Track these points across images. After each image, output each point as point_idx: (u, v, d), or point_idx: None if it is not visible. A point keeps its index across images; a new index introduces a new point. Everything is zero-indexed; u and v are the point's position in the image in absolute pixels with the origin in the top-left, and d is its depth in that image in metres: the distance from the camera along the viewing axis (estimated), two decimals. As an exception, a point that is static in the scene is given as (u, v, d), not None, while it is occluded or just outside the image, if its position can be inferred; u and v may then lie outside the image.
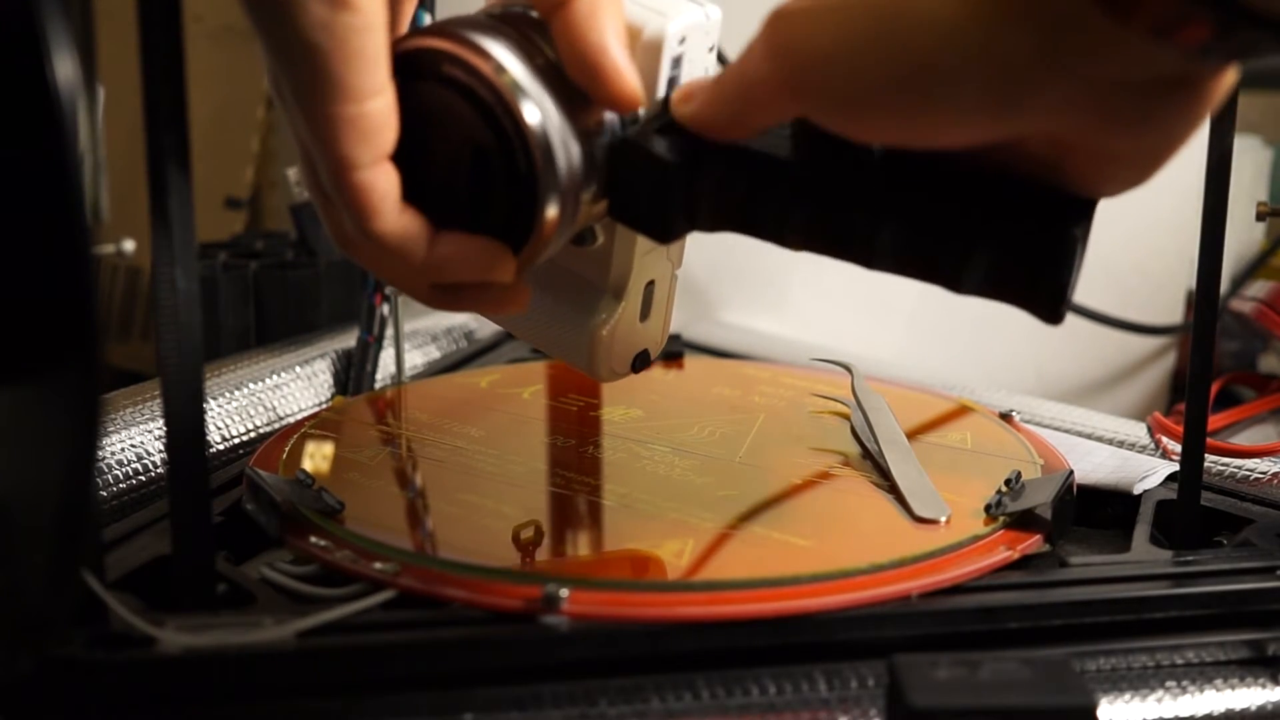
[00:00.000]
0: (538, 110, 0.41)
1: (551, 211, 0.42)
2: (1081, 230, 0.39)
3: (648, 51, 0.43)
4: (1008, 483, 0.53)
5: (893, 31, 0.35)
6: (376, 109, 0.40)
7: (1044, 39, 0.34)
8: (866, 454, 0.58)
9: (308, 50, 0.39)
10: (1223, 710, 0.45)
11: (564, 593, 0.43)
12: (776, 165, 0.41)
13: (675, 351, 0.73)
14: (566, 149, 0.42)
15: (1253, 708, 0.45)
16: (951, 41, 0.34)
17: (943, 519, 0.50)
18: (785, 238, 0.42)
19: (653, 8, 0.44)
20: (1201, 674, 0.46)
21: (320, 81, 0.39)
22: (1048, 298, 0.39)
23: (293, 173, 0.79)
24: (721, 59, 0.45)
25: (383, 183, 0.41)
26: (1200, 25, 0.32)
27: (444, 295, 0.45)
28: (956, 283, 0.41)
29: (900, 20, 0.35)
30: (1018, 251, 0.39)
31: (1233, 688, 0.45)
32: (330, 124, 0.39)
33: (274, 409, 0.65)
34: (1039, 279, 0.39)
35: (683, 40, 0.44)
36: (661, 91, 0.44)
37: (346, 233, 0.43)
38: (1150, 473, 0.57)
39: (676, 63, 0.44)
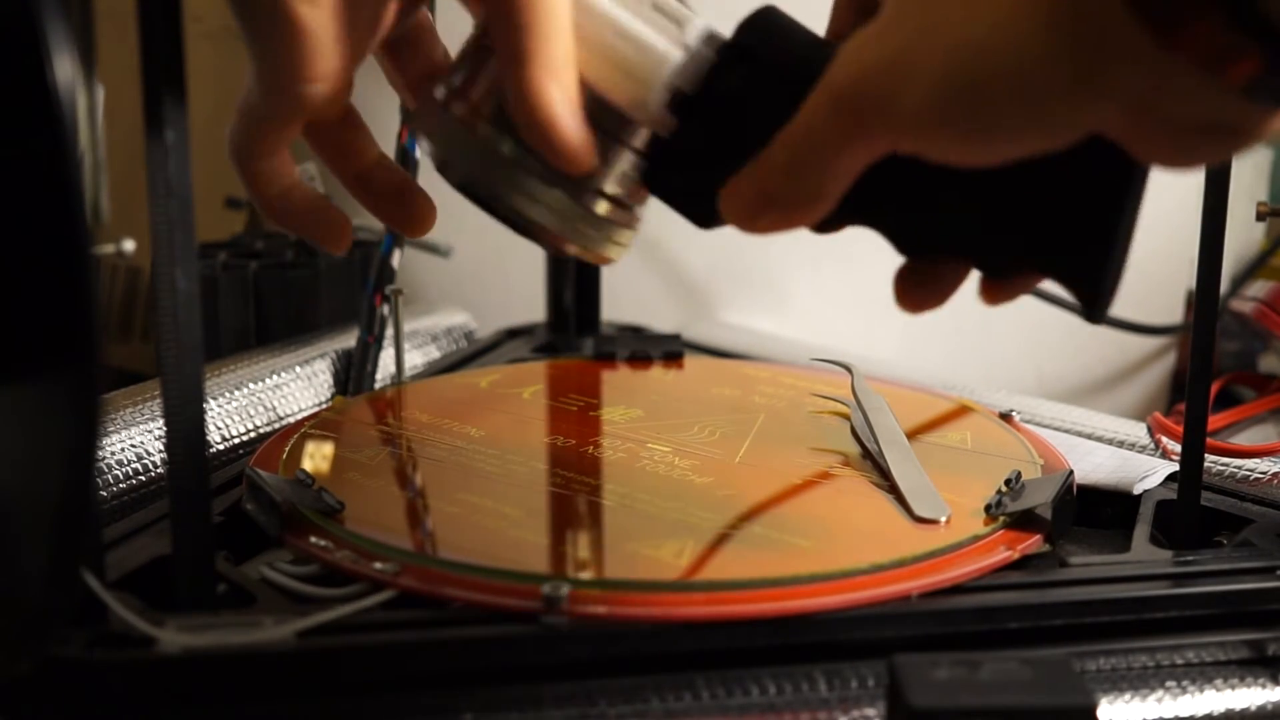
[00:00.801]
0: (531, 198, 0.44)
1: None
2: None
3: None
4: (1008, 483, 0.53)
5: (960, 68, 0.35)
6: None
7: (1089, 67, 0.33)
8: (866, 454, 0.58)
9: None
10: (1223, 710, 0.45)
11: (564, 592, 0.43)
12: None
13: (675, 351, 0.73)
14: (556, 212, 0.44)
15: (1253, 708, 0.45)
16: (1004, 69, 0.34)
17: (943, 519, 0.50)
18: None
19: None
20: (1201, 674, 0.46)
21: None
22: (1085, 299, 0.40)
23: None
24: None
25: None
26: (1249, 59, 0.31)
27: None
28: (993, 270, 0.41)
29: (965, 54, 0.35)
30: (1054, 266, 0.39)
31: (1233, 688, 0.45)
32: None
33: (274, 409, 0.65)
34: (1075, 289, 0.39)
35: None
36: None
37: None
38: (1150, 473, 0.57)
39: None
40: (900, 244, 0.42)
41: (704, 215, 0.43)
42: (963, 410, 0.64)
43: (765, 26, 0.42)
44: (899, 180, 0.39)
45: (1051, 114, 0.35)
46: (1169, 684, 0.45)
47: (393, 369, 0.68)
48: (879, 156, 0.38)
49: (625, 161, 0.44)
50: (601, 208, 0.45)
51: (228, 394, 0.63)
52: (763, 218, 0.41)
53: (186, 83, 0.41)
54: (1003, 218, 0.39)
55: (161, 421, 0.50)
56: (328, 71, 0.44)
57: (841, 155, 0.38)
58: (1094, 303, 0.39)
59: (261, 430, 0.63)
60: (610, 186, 0.44)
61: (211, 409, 0.62)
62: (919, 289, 0.42)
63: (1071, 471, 0.54)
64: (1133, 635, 0.46)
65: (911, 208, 0.40)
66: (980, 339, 0.91)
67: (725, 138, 0.42)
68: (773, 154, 0.40)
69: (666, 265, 0.93)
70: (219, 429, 0.62)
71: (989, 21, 0.34)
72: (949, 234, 0.41)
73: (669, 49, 0.42)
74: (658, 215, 0.46)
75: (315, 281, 0.78)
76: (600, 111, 0.43)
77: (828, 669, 0.44)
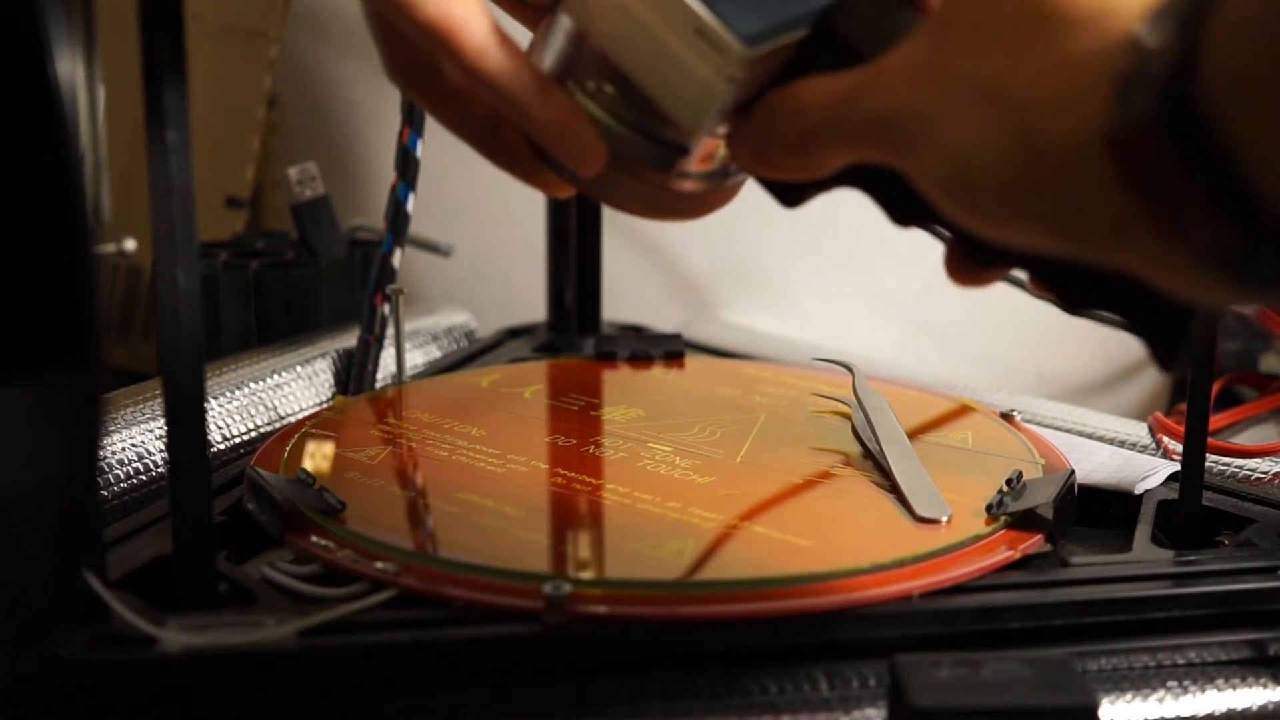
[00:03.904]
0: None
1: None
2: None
3: None
4: (1009, 482, 0.53)
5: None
6: None
7: (1074, 232, 0.33)
8: (867, 454, 0.58)
9: None
10: (1224, 710, 0.45)
11: (565, 592, 0.43)
12: None
13: (676, 351, 0.73)
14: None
15: (1254, 708, 0.45)
16: (992, 197, 0.34)
17: (944, 519, 0.50)
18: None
19: None
20: (1203, 674, 0.46)
21: None
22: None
23: (294, 172, 0.79)
24: None
25: (457, 13, 0.41)
26: (1242, 255, 0.30)
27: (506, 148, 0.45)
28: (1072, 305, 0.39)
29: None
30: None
31: (1234, 688, 0.45)
32: None
33: (275, 408, 0.65)
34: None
35: None
36: None
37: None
38: (1151, 472, 0.57)
39: None
40: (970, 248, 0.40)
41: (787, 197, 0.42)
42: (964, 410, 0.64)
43: (847, 14, 0.40)
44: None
45: (1039, 244, 0.34)
46: (1170, 684, 0.45)
47: (393, 368, 0.68)
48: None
49: (711, 143, 0.43)
50: (689, 185, 0.44)
51: (228, 393, 0.63)
52: (769, 174, 0.41)
53: (188, 82, 0.41)
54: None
55: (162, 421, 0.50)
56: None
57: (849, 153, 0.38)
58: (1168, 357, 0.37)
59: (262, 430, 0.63)
60: (697, 167, 0.44)
61: (212, 408, 0.62)
62: (970, 264, 0.41)
63: (1073, 471, 0.54)
64: (1134, 635, 0.46)
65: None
66: (981, 339, 0.91)
67: None
68: (785, 122, 0.39)
69: (668, 265, 0.93)
70: (220, 428, 0.62)
71: (990, 153, 0.33)
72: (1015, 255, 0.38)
73: (711, 80, 0.40)
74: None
75: (316, 281, 0.77)
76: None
77: (829, 669, 0.44)
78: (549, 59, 0.43)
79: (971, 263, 0.40)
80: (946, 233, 0.40)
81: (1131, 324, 0.38)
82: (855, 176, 0.40)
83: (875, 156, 0.37)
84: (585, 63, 0.43)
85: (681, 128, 0.42)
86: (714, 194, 0.46)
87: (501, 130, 0.45)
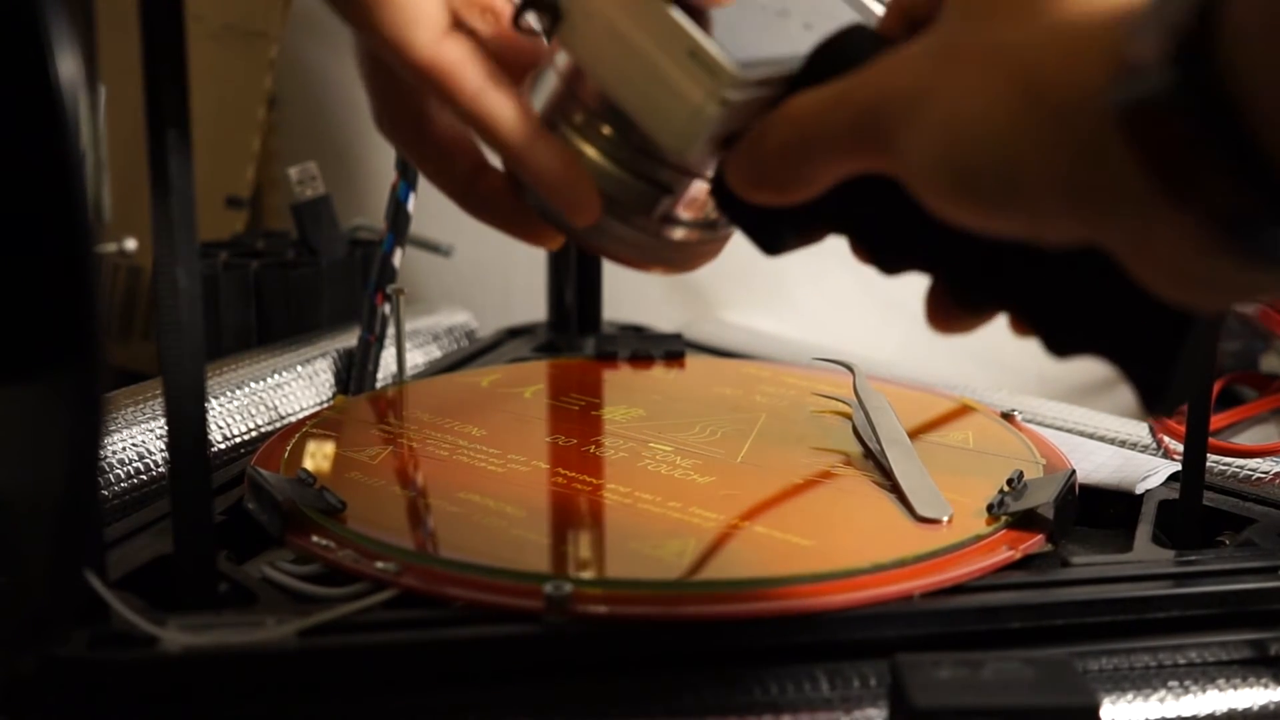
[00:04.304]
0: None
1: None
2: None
3: None
4: (1010, 482, 0.53)
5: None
6: None
7: (1077, 194, 0.32)
8: (868, 453, 0.58)
9: None
10: (1225, 710, 0.45)
11: (566, 592, 0.43)
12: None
13: (677, 351, 0.73)
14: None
15: (1255, 708, 0.45)
16: (991, 164, 0.33)
17: (945, 518, 0.50)
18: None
19: None
20: (1204, 674, 0.46)
21: None
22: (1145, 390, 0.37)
23: (294, 172, 0.79)
24: None
25: (452, 55, 0.42)
26: (1251, 218, 0.29)
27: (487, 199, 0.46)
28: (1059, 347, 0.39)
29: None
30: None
31: (1235, 688, 0.45)
32: (374, 14, 0.41)
33: (275, 408, 0.65)
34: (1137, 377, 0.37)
35: None
36: None
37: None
38: (1152, 472, 0.57)
39: None
40: (954, 288, 0.40)
41: (769, 242, 0.42)
42: (964, 410, 0.64)
43: (838, 52, 0.39)
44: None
45: (1037, 222, 0.33)
46: (1171, 684, 0.45)
47: (394, 368, 0.68)
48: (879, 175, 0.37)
49: (698, 188, 0.44)
50: (678, 234, 0.45)
51: (229, 393, 0.63)
52: (758, 193, 0.40)
53: (188, 82, 0.41)
54: (1062, 283, 0.37)
55: (163, 420, 0.50)
56: None
57: (840, 162, 0.37)
58: (1155, 398, 0.37)
59: (263, 429, 0.63)
60: (685, 213, 0.44)
61: (213, 408, 0.62)
62: (953, 310, 0.40)
63: (1074, 471, 0.54)
64: (1135, 635, 0.46)
65: (969, 255, 0.38)
66: (981, 339, 0.91)
67: None
68: (775, 131, 0.39)
69: (668, 265, 0.93)
70: (220, 428, 0.62)
71: (991, 114, 0.33)
72: (1004, 286, 0.39)
73: (703, 103, 0.40)
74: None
75: (317, 280, 0.77)
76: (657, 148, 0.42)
77: (830, 669, 0.44)
78: (538, 104, 0.44)
79: (953, 305, 0.40)
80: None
81: (1118, 364, 0.37)
82: (841, 216, 0.40)
83: (867, 159, 0.37)
84: (576, 102, 0.43)
85: (671, 155, 0.42)
86: (702, 246, 0.46)
87: (482, 182, 0.46)
